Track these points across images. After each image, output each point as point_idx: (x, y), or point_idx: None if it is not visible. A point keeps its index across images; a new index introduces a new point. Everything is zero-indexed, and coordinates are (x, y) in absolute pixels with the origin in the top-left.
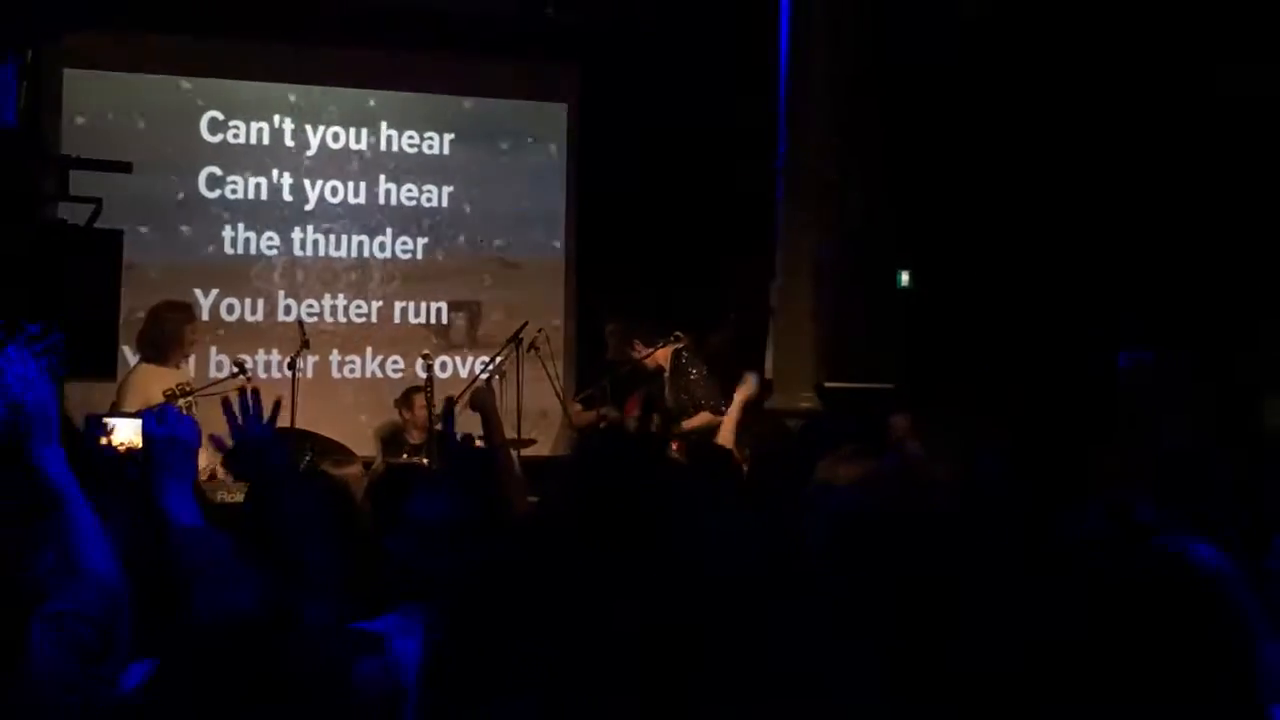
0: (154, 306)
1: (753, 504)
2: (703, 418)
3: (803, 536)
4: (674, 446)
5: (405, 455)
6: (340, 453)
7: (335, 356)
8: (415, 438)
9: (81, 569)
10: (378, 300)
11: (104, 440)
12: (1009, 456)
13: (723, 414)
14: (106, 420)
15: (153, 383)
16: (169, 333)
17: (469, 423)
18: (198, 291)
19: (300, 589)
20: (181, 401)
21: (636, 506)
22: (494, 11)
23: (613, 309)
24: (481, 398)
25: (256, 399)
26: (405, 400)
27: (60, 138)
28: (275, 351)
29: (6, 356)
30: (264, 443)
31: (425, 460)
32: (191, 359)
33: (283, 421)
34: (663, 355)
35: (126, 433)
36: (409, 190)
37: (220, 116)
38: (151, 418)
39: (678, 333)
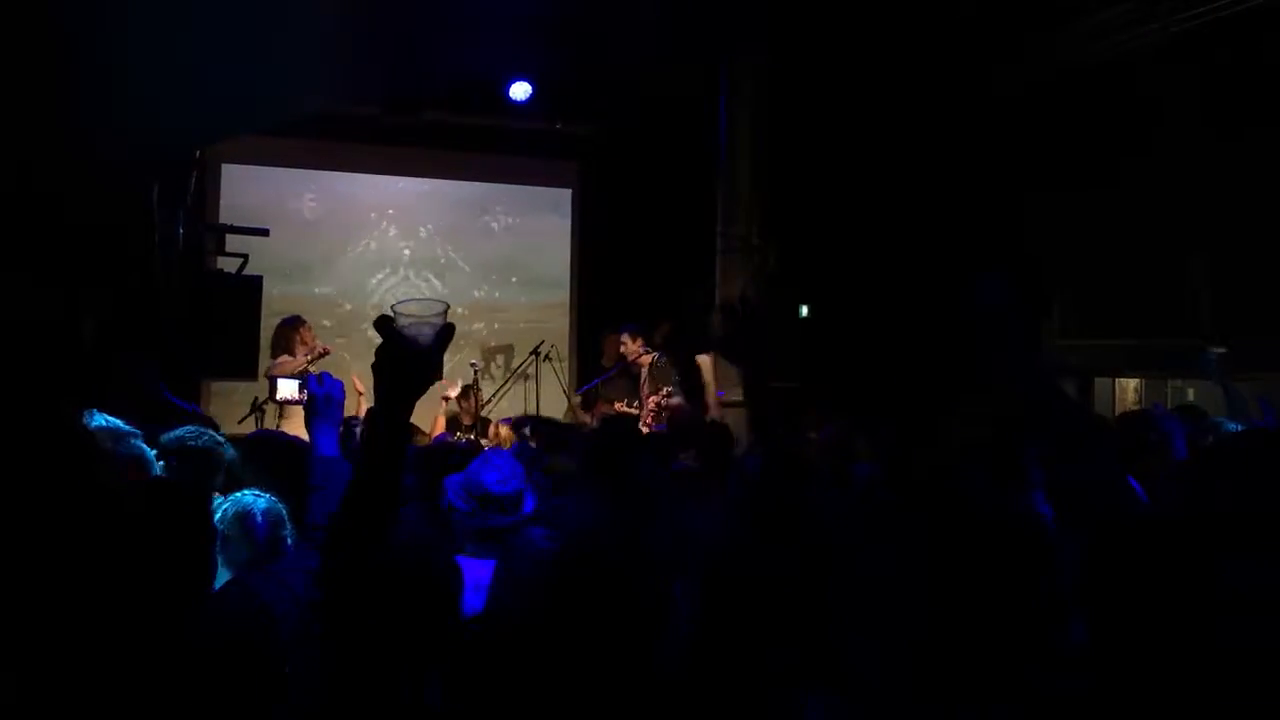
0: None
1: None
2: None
3: None
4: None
5: (458, 435)
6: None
7: None
8: (467, 421)
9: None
10: None
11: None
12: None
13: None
14: (276, 379)
15: (285, 366)
16: (287, 336)
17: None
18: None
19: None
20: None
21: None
22: (526, 127)
23: (606, 327)
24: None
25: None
26: (464, 395)
27: (219, 212)
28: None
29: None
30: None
31: (472, 438)
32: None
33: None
34: (645, 360)
35: (286, 389)
36: (464, 249)
37: (328, 197)
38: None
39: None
